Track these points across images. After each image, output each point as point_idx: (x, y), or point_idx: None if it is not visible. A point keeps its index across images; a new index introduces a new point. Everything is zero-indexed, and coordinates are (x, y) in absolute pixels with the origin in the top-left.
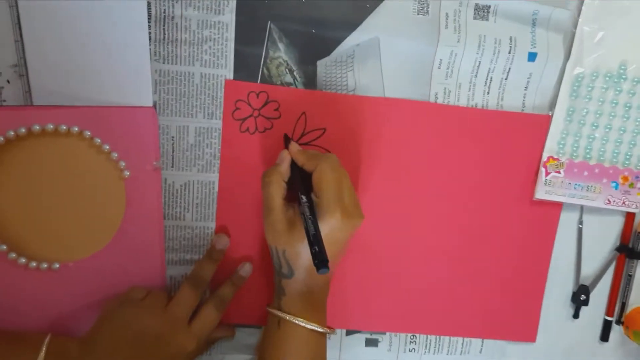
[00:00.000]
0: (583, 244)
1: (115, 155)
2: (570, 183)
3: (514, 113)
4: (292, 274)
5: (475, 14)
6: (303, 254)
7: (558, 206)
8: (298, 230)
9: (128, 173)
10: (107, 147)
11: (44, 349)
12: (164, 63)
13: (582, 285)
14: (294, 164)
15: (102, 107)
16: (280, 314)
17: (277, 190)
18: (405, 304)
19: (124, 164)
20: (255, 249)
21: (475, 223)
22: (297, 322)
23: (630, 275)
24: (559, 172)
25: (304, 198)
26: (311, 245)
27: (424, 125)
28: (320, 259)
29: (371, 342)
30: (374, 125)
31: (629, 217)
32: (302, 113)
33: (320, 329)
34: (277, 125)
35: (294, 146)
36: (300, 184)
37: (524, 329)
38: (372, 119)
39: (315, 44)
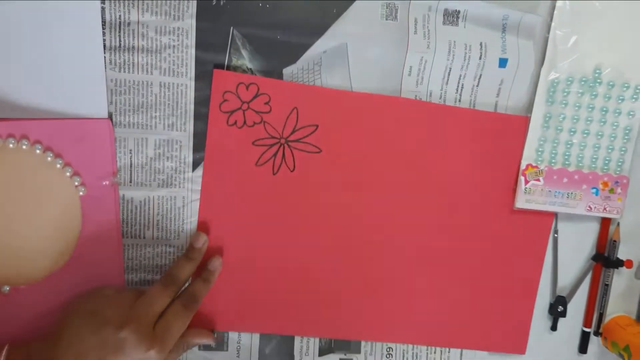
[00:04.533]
0: (559, 253)
1: (69, 171)
2: (550, 191)
3: (491, 113)
4: None
5: (444, 19)
6: None
7: (550, 215)
8: None
9: (83, 190)
10: (60, 162)
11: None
12: (119, 72)
13: (559, 297)
14: None
15: (53, 119)
16: None
17: None
18: (385, 315)
19: (78, 180)
20: (236, 248)
21: (455, 231)
22: None
23: (607, 285)
24: (538, 180)
25: None
26: None
27: (419, 124)
28: None
29: None
30: (370, 123)
31: (604, 224)
32: (294, 108)
33: None
34: (267, 120)
35: None
36: None
37: (513, 340)
38: (368, 116)
39: (280, 51)
